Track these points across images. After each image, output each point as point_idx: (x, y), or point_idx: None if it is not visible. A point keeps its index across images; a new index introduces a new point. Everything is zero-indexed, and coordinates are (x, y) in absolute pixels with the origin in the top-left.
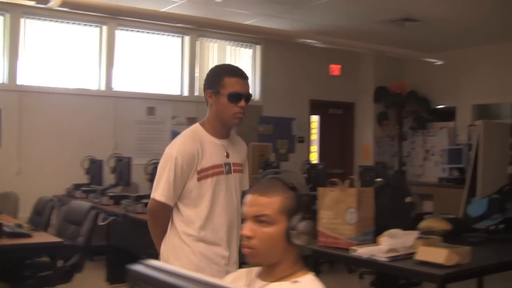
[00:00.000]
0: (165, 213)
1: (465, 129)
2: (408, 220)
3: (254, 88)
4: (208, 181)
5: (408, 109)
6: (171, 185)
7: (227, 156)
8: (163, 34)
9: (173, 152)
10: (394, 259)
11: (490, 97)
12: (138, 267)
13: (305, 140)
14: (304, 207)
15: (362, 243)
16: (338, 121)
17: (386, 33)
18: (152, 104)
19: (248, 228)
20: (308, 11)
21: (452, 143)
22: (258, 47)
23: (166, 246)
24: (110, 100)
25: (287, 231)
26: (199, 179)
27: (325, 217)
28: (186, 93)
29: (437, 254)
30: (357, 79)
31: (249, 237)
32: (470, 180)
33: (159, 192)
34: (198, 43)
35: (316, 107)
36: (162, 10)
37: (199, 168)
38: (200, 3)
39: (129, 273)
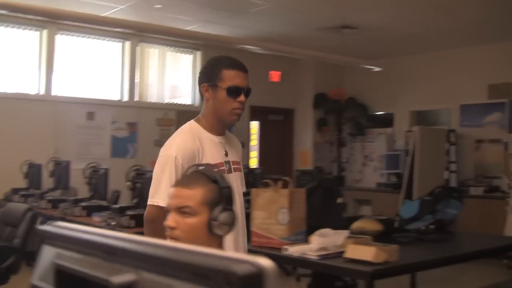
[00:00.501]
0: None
1: (403, 135)
2: (339, 220)
3: (194, 94)
4: None
5: (347, 115)
6: (168, 186)
7: (226, 154)
8: (104, 39)
9: (171, 152)
10: (324, 257)
11: (427, 103)
12: (47, 227)
13: (245, 145)
14: (225, 199)
15: (295, 242)
16: (278, 127)
17: (324, 40)
18: (92, 109)
19: (172, 219)
20: (248, 18)
21: (390, 149)
22: (198, 53)
23: None
24: (50, 105)
25: (209, 222)
26: None
27: (258, 217)
28: (126, 98)
29: (365, 252)
30: (297, 86)
31: (172, 228)
32: (406, 184)
33: (160, 196)
34: (138, 49)
35: (256, 113)
36: (102, 15)
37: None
38: (140, 9)
39: (39, 232)
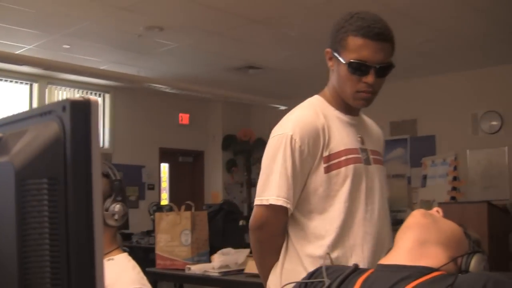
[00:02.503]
0: (281, 224)
1: None
2: (241, 241)
3: (104, 136)
4: (342, 172)
5: (255, 156)
6: (289, 180)
7: (362, 141)
8: (11, 81)
9: (287, 130)
10: (225, 274)
11: None
12: None
13: (155, 187)
14: (116, 191)
15: (198, 263)
16: (188, 168)
17: (232, 81)
18: None
19: None
20: (156, 59)
21: None
22: (107, 95)
23: (278, 277)
24: None
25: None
26: (327, 170)
27: (162, 240)
28: None
29: None
30: (206, 128)
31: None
32: None
33: (273, 192)
34: (47, 91)
35: (166, 155)
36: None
37: (326, 154)
38: (49, 49)
39: None
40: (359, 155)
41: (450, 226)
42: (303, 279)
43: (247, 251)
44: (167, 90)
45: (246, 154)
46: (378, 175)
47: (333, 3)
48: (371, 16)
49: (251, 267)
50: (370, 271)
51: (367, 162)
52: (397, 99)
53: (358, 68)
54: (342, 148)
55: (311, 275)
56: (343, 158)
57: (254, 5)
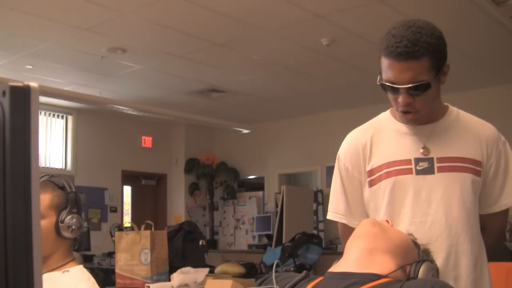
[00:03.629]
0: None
1: (273, 197)
2: (201, 261)
3: (66, 157)
4: (382, 185)
5: (218, 179)
6: (339, 195)
7: (425, 149)
8: None
9: (339, 151)
10: None
11: (295, 166)
12: None
13: (117, 210)
14: (72, 203)
15: (157, 281)
16: (151, 191)
17: (195, 104)
18: None
19: None
20: (118, 81)
21: (260, 211)
22: (70, 117)
23: None
24: None
25: (56, 224)
26: (370, 184)
27: (122, 259)
28: None
29: (223, 286)
30: (169, 151)
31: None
32: (275, 243)
33: (330, 208)
34: None
35: (128, 177)
36: None
37: (368, 168)
38: (11, 69)
39: None
40: (410, 166)
41: (398, 235)
42: (254, 285)
43: (206, 270)
44: (130, 112)
45: (208, 177)
46: (443, 184)
47: (295, 27)
48: (402, 31)
49: (210, 286)
50: (319, 278)
51: (425, 172)
52: (357, 124)
53: (388, 89)
54: (384, 161)
55: (261, 282)
56: (384, 171)
57: (217, 28)
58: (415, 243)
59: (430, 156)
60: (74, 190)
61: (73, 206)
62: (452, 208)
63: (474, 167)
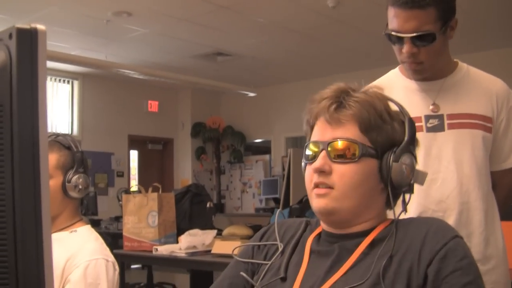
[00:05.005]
0: None
1: (280, 160)
2: (209, 223)
3: (72, 123)
4: None
5: (225, 143)
6: None
7: (435, 106)
8: None
9: None
10: (192, 254)
11: (301, 129)
12: None
13: (124, 174)
14: (78, 162)
15: (165, 244)
16: (158, 156)
17: (201, 68)
18: None
19: None
20: (124, 45)
21: (267, 175)
22: (76, 82)
23: None
24: None
25: (63, 184)
26: None
27: (129, 222)
28: None
29: (231, 247)
30: (175, 115)
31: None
32: (283, 206)
33: None
34: None
35: (135, 142)
36: None
37: None
38: None
39: None
40: (420, 124)
41: None
42: (255, 238)
43: (214, 232)
44: (136, 76)
45: (215, 141)
46: (453, 141)
47: None
48: None
49: (218, 248)
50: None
51: (436, 129)
52: None
53: (391, 39)
54: None
55: (263, 234)
56: None
57: None
58: None
59: (440, 113)
60: (80, 150)
61: (80, 165)
62: (463, 165)
63: (484, 123)
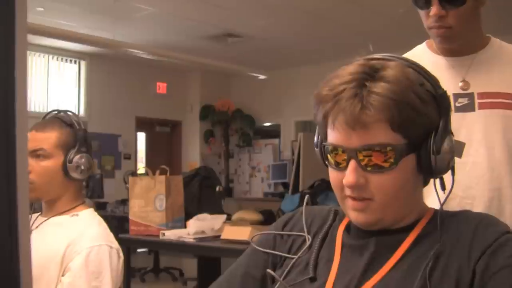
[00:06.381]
0: None
1: (289, 145)
2: (218, 207)
3: (79, 104)
4: None
5: (234, 127)
6: None
7: (464, 83)
8: None
9: None
10: (201, 239)
11: (311, 113)
12: None
13: (131, 157)
14: (81, 141)
15: (173, 228)
16: (166, 138)
17: (210, 50)
18: None
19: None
20: (132, 24)
21: (276, 159)
22: (83, 63)
23: None
24: None
25: (64, 164)
26: None
27: (136, 205)
28: None
29: (241, 233)
30: (184, 97)
31: (27, 172)
32: (292, 191)
33: None
34: None
35: (142, 124)
36: None
37: None
38: None
39: None
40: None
41: None
42: (276, 226)
43: (223, 217)
44: (144, 56)
45: (224, 124)
46: (483, 122)
47: None
48: None
49: (228, 233)
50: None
51: (465, 109)
52: None
53: (420, 3)
54: None
55: (286, 222)
56: None
57: None
58: None
59: (470, 91)
60: (83, 127)
61: (82, 144)
62: (494, 149)
63: (506, 101)
